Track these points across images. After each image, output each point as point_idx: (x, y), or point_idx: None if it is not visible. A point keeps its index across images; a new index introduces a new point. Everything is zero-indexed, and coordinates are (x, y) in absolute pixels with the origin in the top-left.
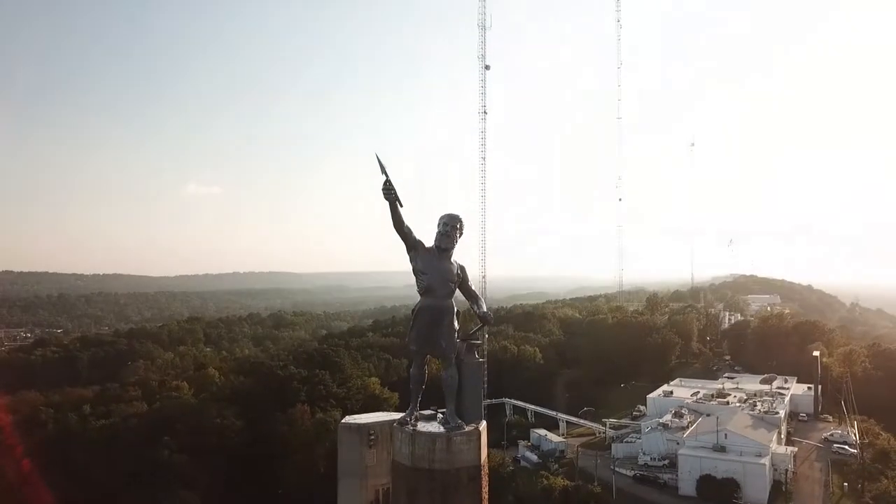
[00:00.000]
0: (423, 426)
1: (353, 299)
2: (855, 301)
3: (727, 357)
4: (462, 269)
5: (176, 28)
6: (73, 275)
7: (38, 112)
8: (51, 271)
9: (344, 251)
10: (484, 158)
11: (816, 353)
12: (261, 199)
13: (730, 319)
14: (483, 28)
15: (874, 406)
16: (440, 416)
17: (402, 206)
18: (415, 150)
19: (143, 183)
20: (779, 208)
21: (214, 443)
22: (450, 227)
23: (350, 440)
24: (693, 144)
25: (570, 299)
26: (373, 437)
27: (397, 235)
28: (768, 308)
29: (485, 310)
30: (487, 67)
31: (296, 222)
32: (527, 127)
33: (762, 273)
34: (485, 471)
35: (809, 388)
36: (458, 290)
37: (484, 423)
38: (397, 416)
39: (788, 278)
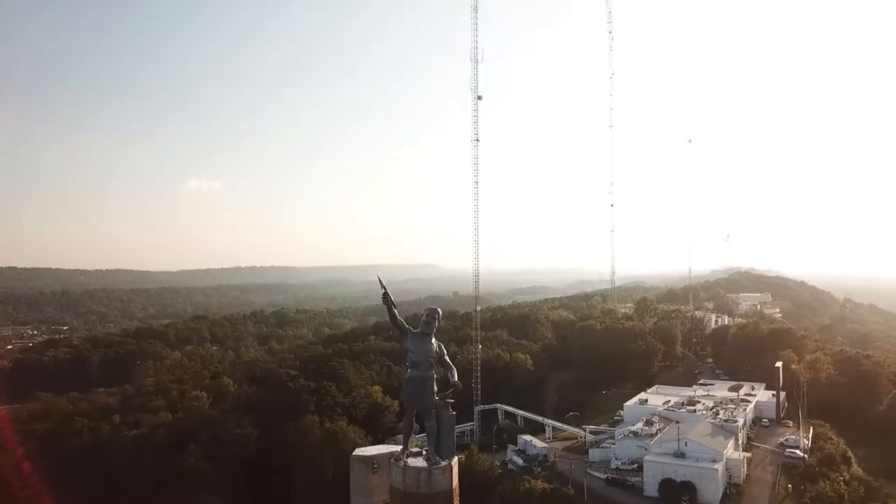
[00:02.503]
0: (412, 461)
1: (355, 294)
2: (847, 297)
3: (710, 360)
4: (440, 346)
5: (177, 24)
6: (77, 270)
7: (40, 109)
8: (54, 267)
9: (346, 244)
10: (477, 182)
11: (778, 364)
12: (262, 194)
13: (717, 321)
14: (475, 61)
15: (837, 411)
16: (424, 453)
17: (396, 307)
18: (415, 144)
19: (144, 178)
20: (777, 202)
21: (233, 451)
22: (430, 318)
23: (360, 467)
24: (690, 141)
25: (567, 297)
26: (376, 465)
27: (393, 327)
28: (757, 306)
29: (455, 379)
30: (479, 98)
31: (297, 216)
32: (528, 127)
33: (761, 265)
34: (456, 493)
35: (774, 394)
36: (437, 362)
37: (455, 458)
38: (394, 448)
39: (785, 272)
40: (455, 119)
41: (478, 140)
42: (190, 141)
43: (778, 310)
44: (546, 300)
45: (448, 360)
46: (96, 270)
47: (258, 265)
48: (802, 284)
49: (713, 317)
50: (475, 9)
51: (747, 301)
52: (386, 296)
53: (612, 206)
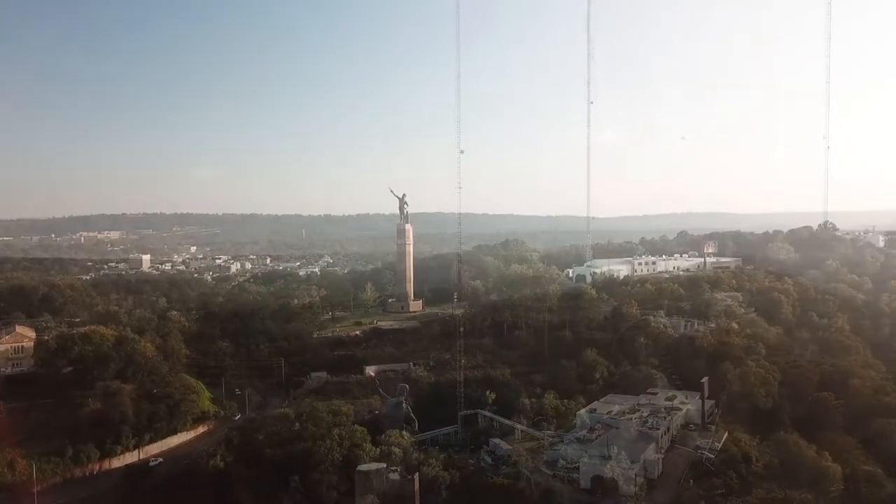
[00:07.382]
0: (391, 475)
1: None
2: (826, 291)
3: (670, 367)
4: (408, 408)
5: (183, 14)
6: (83, 260)
7: (45, 100)
8: (60, 257)
9: (346, 235)
10: (459, 214)
11: (704, 380)
12: (263, 185)
13: (686, 326)
14: (459, 122)
15: (763, 417)
16: (399, 469)
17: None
18: (415, 136)
19: (146, 169)
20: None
21: (262, 451)
22: (401, 392)
23: (361, 478)
24: (684, 137)
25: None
26: (371, 478)
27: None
28: (729, 302)
29: (415, 428)
30: (462, 152)
31: (298, 207)
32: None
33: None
34: (417, 494)
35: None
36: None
37: (417, 474)
38: (382, 465)
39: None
40: (465, 85)
41: (461, 187)
42: (192, 132)
43: (754, 309)
44: (537, 298)
45: (413, 416)
46: (101, 261)
47: (261, 254)
48: (786, 278)
49: (682, 322)
50: (458, 77)
51: (725, 301)
52: (376, 391)
53: (591, 217)
